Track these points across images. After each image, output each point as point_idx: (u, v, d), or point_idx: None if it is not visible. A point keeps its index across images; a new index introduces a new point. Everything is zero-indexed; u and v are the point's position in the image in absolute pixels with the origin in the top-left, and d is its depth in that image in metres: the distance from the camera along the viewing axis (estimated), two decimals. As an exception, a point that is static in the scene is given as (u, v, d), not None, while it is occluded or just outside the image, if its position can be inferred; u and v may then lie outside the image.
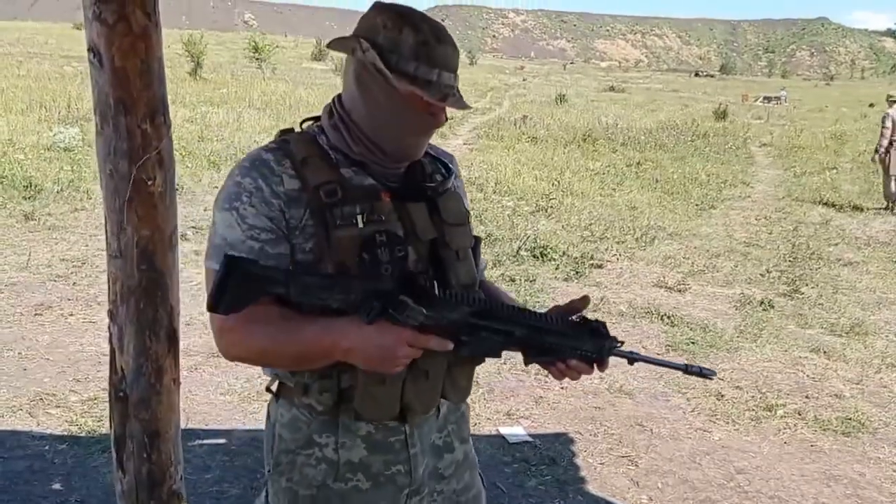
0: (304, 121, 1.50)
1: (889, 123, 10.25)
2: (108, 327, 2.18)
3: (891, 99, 10.52)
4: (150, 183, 2.05)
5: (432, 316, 1.28)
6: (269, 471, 1.49)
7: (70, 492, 3.18)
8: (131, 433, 2.24)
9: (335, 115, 1.43)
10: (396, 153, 1.42)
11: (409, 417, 1.44)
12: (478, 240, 1.57)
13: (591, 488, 3.49)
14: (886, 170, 10.31)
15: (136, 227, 2.05)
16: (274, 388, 1.47)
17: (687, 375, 1.49)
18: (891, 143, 10.17)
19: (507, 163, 12.31)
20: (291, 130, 1.45)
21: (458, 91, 1.40)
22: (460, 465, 1.59)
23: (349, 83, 1.41)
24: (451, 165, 1.56)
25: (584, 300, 1.47)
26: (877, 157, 10.59)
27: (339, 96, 1.45)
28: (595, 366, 1.45)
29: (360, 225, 1.33)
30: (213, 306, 1.22)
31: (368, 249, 1.33)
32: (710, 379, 1.50)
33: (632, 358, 1.46)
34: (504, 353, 1.41)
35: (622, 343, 1.46)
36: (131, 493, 2.29)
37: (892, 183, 10.20)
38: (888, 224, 9.69)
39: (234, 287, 1.21)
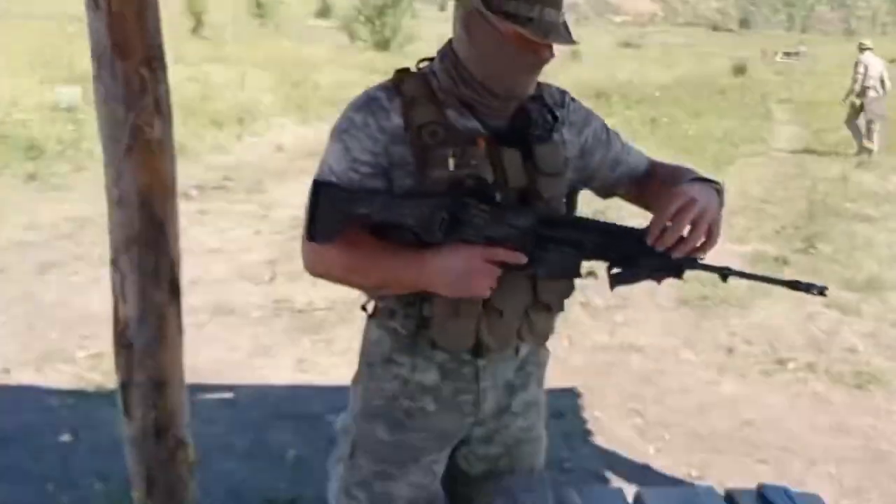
0: (420, 61, 1.54)
1: (861, 69, 10.81)
2: (111, 276, 2.19)
3: (862, 47, 11.14)
4: (148, 130, 2.03)
5: (497, 218, 1.33)
6: (352, 381, 1.63)
7: (78, 443, 3.22)
8: (137, 381, 2.25)
9: (446, 59, 1.47)
10: (503, 93, 1.43)
11: (484, 353, 1.49)
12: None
13: (598, 440, 3.50)
14: (857, 113, 10.79)
15: (136, 174, 2.04)
16: (370, 308, 1.56)
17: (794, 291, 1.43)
18: (864, 90, 10.70)
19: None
20: (408, 70, 1.50)
21: (564, 27, 1.42)
22: (530, 406, 1.66)
23: (457, 27, 1.45)
24: (556, 111, 1.53)
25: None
26: (847, 101, 11.16)
27: (451, 40, 1.49)
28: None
29: (451, 168, 1.37)
30: (310, 236, 1.34)
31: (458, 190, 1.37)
32: (823, 295, 1.42)
33: (724, 273, 1.40)
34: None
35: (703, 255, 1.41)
36: (138, 440, 2.31)
37: (864, 126, 10.73)
38: (908, 179, 9.53)
39: (323, 213, 1.32)
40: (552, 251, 1.36)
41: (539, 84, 1.54)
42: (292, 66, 15.77)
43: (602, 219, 1.42)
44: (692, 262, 1.39)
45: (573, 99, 1.60)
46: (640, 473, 3.25)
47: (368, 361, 1.58)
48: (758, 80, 20.07)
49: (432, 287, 1.38)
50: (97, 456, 3.13)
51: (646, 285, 1.46)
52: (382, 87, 1.46)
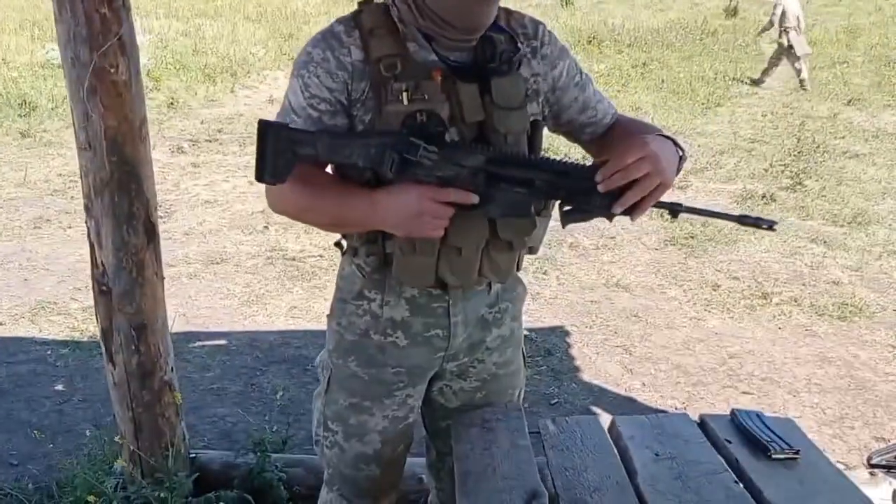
0: None
1: (779, 11, 11.16)
2: (85, 222, 2.19)
3: None
4: (112, 71, 2.01)
5: (446, 158, 1.31)
6: (327, 315, 1.64)
7: (73, 392, 3.26)
8: (118, 326, 2.27)
9: None
10: (460, 24, 1.38)
11: (450, 289, 1.50)
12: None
13: (586, 376, 3.55)
14: (784, 52, 11.10)
15: (103, 116, 2.02)
16: (344, 244, 1.57)
17: (743, 226, 1.42)
18: (785, 30, 11.00)
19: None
20: (370, 1, 1.44)
21: None
22: (506, 341, 1.67)
23: None
24: (526, 43, 1.48)
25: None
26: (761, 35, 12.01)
27: None
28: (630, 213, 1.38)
29: (405, 102, 1.34)
30: (259, 177, 1.31)
31: (409, 127, 1.34)
32: (772, 230, 1.41)
33: (674, 209, 1.38)
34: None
35: None
36: (122, 384, 2.34)
37: (798, 62, 11.05)
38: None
39: (270, 153, 1.29)
40: (503, 191, 1.35)
41: (512, 14, 1.51)
42: (284, 18, 15.52)
43: (557, 157, 1.40)
44: None
45: (549, 32, 1.54)
46: (627, 407, 3.30)
47: (341, 297, 1.58)
48: (750, 22, 19.75)
49: (383, 226, 1.38)
50: (91, 404, 3.17)
51: (633, 227, 1.46)
52: (342, 19, 1.42)
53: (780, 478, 1.65)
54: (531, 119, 1.47)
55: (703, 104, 9.91)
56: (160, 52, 10.38)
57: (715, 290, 4.40)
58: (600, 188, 1.32)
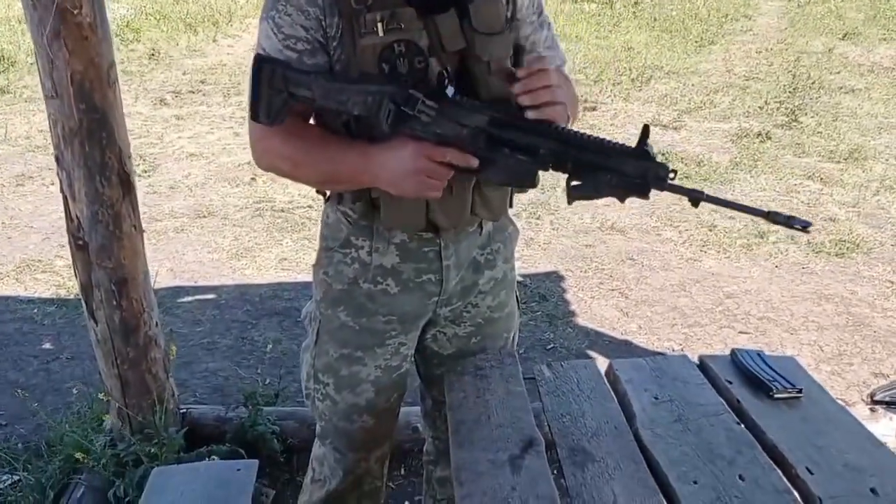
0: None
1: None
2: (57, 173, 2.10)
3: None
4: (76, 13, 1.90)
5: (446, 115, 1.24)
6: (313, 265, 1.60)
7: (60, 349, 3.20)
8: (97, 281, 2.20)
9: None
10: None
11: (441, 231, 1.45)
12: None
13: (581, 321, 3.50)
14: None
15: (68, 62, 1.92)
16: (327, 191, 1.51)
17: (773, 224, 1.29)
18: None
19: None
20: None
21: None
22: (499, 283, 1.63)
23: None
24: None
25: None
26: None
27: None
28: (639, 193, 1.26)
29: (381, 33, 1.27)
30: (253, 115, 1.28)
31: (387, 59, 1.29)
32: (806, 231, 1.28)
33: (695, 197, 1.22)
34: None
35: (675, 173, 1.23)
36: (105, 341, 2.27)
37: None
38: (892, 49, 9.31)
39: (266, 91, 1.25)
40: (505, 156, 1.26)
41: None
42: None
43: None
44: (660, 182, 1.23)
45: None
46: (623, 350, 3.26)
47: (327, 246, 1.53)
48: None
49: (377, 184, 1.32)
50: (79, 361, 3.12)
51: None
52: None
53: (783, 417, 1.60)
54: (515, 44, 1.40)
55: (696, 42, 9.72)
56: (140, 1, 10.10)
57: (711, 231, 4.34)
58: (517, 88, 1.26)
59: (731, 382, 1.72)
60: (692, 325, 3.43)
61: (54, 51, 1.89)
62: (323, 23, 1.30)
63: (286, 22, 1.30)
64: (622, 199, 1.27)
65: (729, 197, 1.37)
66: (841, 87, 7.46)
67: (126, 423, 2.33)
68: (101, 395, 2.30)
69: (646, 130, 1.22)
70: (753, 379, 1.71)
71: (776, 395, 1.65)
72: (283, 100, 1.26)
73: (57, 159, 2.06)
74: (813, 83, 7.49)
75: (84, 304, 2.26)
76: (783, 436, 1.53)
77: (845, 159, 5.46)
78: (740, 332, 3.36)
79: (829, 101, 6.99)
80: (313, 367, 1.63)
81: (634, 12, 12.03)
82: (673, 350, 3.27)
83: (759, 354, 1.79)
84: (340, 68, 1.32)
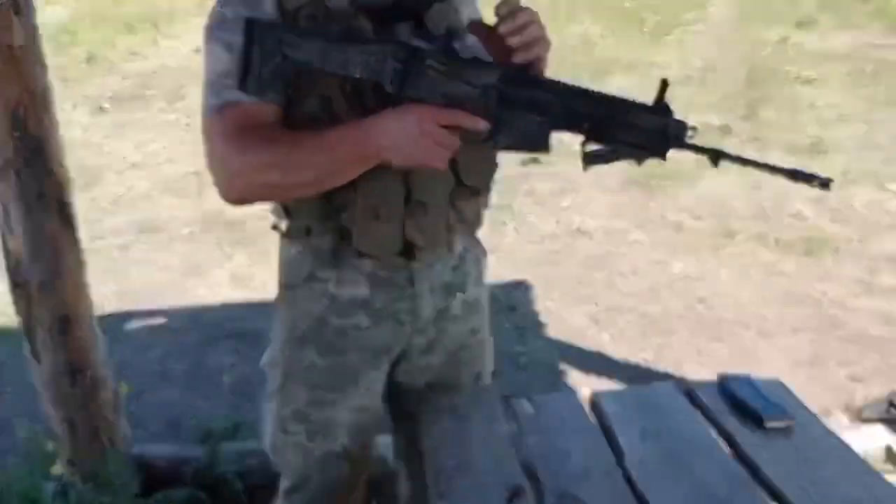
0: None
1: None
2: (-11, 208, 1.93)
3: None
4: (6, 35, 1.75)
5: (455, 73, 1.13)
6: (273, 303, 1.49)
7: (2, 385, 3.02)
8: (39, 320, 2.04)
9: None
10: None
11: (417, 254, 1.38)
12: None
13: (551, 332, 3.42)
14: None
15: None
16: (283, 226, 1.40)
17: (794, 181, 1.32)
18: None
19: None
20: None
21: None
22: (471, 307, 1.55)
23: None
24: None
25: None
26: None
27: None
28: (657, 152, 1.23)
29: None
30: (242, 85, 1.13)
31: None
32: (827, 188, 1.28)
33: (716, 155, 1.25)
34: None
35: (695, 129, 1.23)
36: (51, 383, 2.13)
37: None
38: (847, 37, 9.41)
39: (258, 56, 1.11)
40: (516, 117, 1.17)
41: None
42: (209, -37, 14.81)
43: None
44: (679, 140, 1.21)
45: None
46: (596, 363, 3.19)
47: (288, 284, 1.43)
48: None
49: (381, 155, 1.19)
50: (23, 398, 2.91)
51: (591, 169, 1.25)
52: None
53: (776, 449, 1.52)
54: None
55: (652, 34, 9.72)
56: (75, 2, 9.75)
57: (678, 232, 4.28)
58: (504, 28, 1.18)
59: (720, 412, 1.64)
60: (664, 333, 3.37)
61: (-19, 76, 1.73)
62: None
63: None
64: (639, 161, 1.23)
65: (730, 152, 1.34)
66: (798, 78, 7.48)
67: (76, 469, 2.18)
68: (50, 446, 2.13)
69: (664, 85, 1.19)
70: (744, 408, 1.63)
71: (768, 425, 1.57)
72: (277, 65, 1.12)
73: (-11, 192, 1.90)
74: (770, 74, 7.52)
75: (28, 344, 2.11)
76: (778, 470, 1.45)
77: (807, 152, 5.45)
78: (713, 339, 3.30)
79: (788, 92, 7.01)
80: (280, 415, 1.50)
81: (590, 2, 12.01)
82: (646, 360, 3.20)
83: (748, 380, 1.71)
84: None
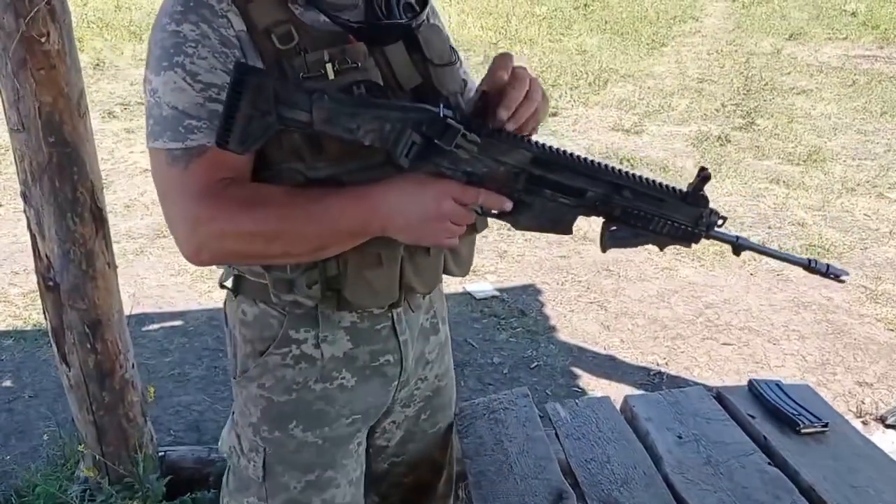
0: None
1: None
2: (25, 211, 1.94)
3: None
4: (43, 40, 1.75)
5: (485, 150, 0.99)
6: (234, 379, 1.25)
7: (21, 388, 3.01)
8: (69, 324, 2.05)
9: None
10: None
11: (409, 299, 1.24)
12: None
13: (563, 336, 3.44)
14: None
15: (36, 93, 1.78)
16: (229, 283, 1.20)
17: (810, 273, 1.21)
18: None
19: (451, 12, 11.72)
20: None
21: None
22: (442, 347, 1.39)
23: None
24: None
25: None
26: None
27: None
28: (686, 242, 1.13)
29: (331, 75, 1.04)
30: (222, 139, 0.93)
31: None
32: (841, 281, 1.23)
33: (737, 245, 1.16)
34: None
35: (724, 220, 1.14)
36: (80, 386, 2.13)
37: None
38: (839, 49, 9.53)
39: (246, 109, 0.92)
40: (544, 197, 1.05)
41: None
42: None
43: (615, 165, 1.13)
44: (709, 231, 1.13)
45: None
46: (608, 366, 3.21)
47: (255, 351, 1.21)
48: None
49: (387, 232, 1.03)
50: (43, 400, 2.95)
51: None
52: None
53: (813, 454, 1.55)
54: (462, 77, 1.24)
55: (647, 45, 9.80)
56: (80, 9, 9.74)
57: (684, 239, 4.32)
58: (503, 111, 1.00)
59: (753, 417, 1.67)
60: (674, 338, 3.40)
61: (20, 81, 1.74)
62: None
63: (202, 66, 1.01)
64: (662, 248, 1.15)
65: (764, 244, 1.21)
66: (793, 88, 7.58)
67: (104, 472, 2.18)
68: (80, 448, 2.13)
69: (705, 176, 1.09)
70: (776, 412, 1.66)
71: (803, 431, 1.60)
72: (266, 125, 0.93)
73: (24, 196, 1.91)
74: (766, 84, 7.60)
75: (55, 348, 2.11)
76: (817, 476, 1.48)
77: (805, 161, 5.53)
78: (723, 344, 3.34)
79: (783, 102, 7.09)
80: None
81: (584, 14, 12.09)
82: (658, 364, 3.23)
83: (777, 384, 1.74)
84: None
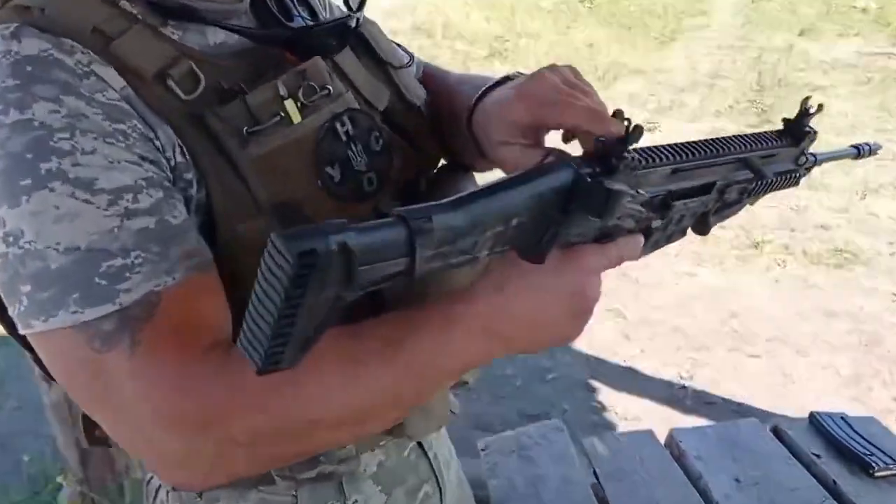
0: None
1: None
2: None
3: None
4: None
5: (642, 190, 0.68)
6: None
7: (5, 398, 2.83)
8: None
9: None
10: None
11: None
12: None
13: (580, 346, 3.26)
14: None
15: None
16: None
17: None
18: None
19: (454, 4, 11.52)
20: None
21: None
22: (458, 472, 1.07)
23: None
24: None
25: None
26: None
27: None
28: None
29: (296, 118, 0.72)
30: (270, 361, 0.48)
31: (330, 159, 0.74)
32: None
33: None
34: None
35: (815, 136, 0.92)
36: (61, 404, 1.97)
37: None
38: (852, 46, 9.33)
39: (312, 297, 0.47)
40: (672, 213, 0.74)
41: None
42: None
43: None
44: (808, 167, 0.92)
45: None
46: (629, 379, 3.03)
47: None
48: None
49: (514, 344, 0.67)
50: (27, 412, 2.75)
51: None
52: (8, 35, 0.64)
53: (891, 502, 1.37)
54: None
55: (656, 39, 9.62)
56: None
57: (703, 242, 4.13)
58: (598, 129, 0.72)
59: (818, 456, 1.48)
60: (698, 349, 3.22)
61: None
62: (156, 143, 0.66)
63: (96, 165, 0.62)
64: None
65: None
66: (807, 85, 7.39)
67: (87, 499, 1.99)
68: (59, 479, 1.95)
69: (810, 107, 0.90)
70: (844, 451, 1.48)
71: (877, 474, 1.42)
72: (332, 299, 0.49)
73: None
74: (779, 81, 7.42)
75: (34, 363, 1.92)
76: (897, 528, 1.31)
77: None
78: (750, 357, 3.16)
79: (799, 99, 6.86)
80: None
81: (591, 8, 11.89)
82: (681, 377, 3.04)
83: (843, 418, 1.56)
84: (207, 219, 0.69)
